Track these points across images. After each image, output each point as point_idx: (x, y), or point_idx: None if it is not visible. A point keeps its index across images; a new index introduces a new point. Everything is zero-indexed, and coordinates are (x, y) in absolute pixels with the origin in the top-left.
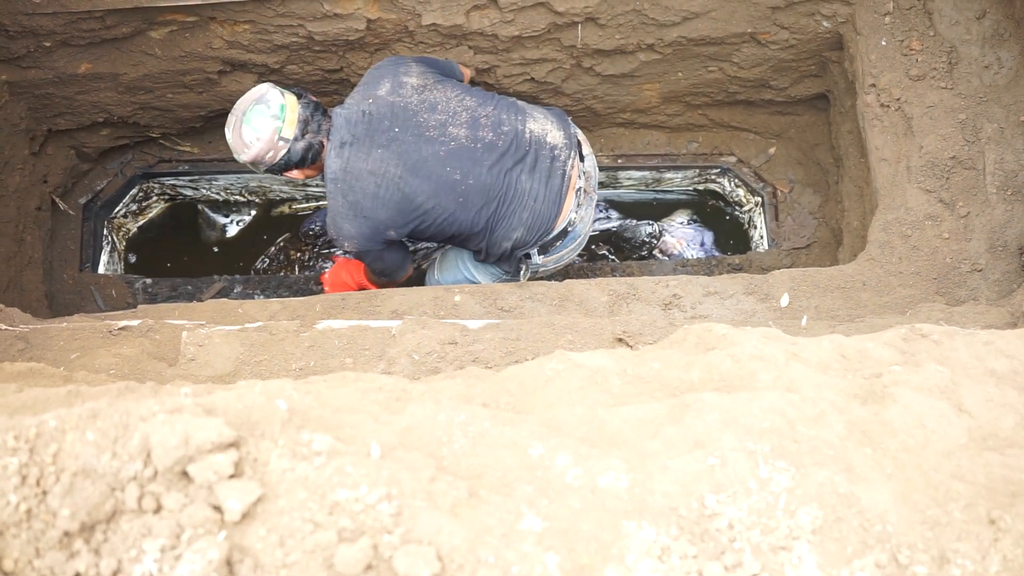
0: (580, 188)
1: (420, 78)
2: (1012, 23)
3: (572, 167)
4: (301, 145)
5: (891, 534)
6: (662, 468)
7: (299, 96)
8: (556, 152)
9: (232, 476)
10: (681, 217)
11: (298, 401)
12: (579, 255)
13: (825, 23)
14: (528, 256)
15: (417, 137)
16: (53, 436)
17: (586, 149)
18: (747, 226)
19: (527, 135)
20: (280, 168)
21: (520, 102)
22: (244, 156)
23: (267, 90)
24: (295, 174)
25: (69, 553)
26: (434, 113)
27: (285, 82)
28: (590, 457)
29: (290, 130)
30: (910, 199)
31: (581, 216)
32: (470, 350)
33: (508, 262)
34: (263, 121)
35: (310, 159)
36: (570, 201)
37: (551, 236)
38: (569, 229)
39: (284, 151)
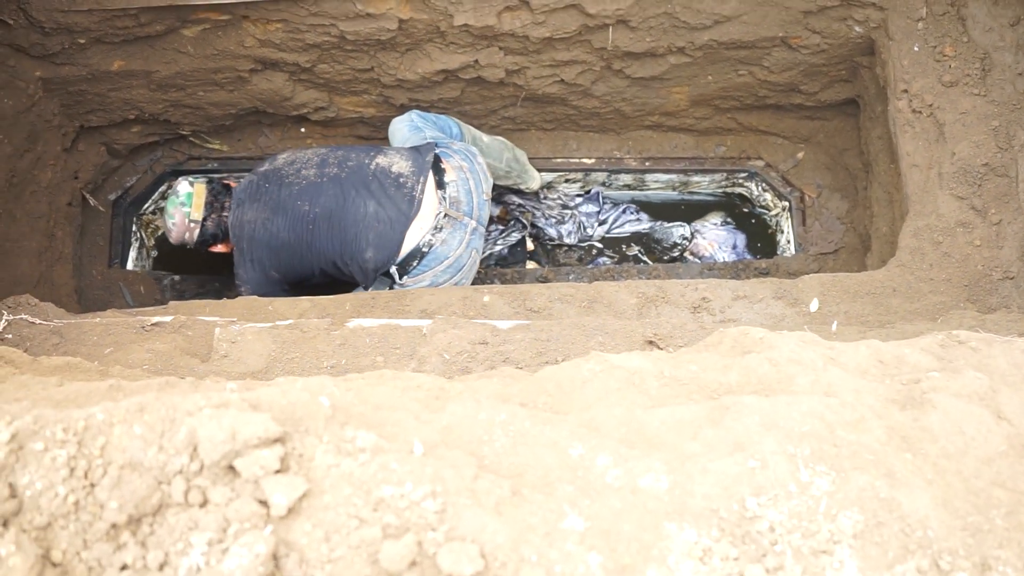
0: (440, 213)
1: (289, 152)
2: None
3: (422, 192)
4: (211, 224)
5: (932, 540)
6: (702, 470)
7: (209, 182)
8: (402, 180)
9: (278, 471)
10: (715, 218)
11: (340, 398)
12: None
13: (857, 28)
14: (388, 275)
15: (279, 185)
16: (101, 429)
17: (451, 176)
18: (774, 230)
19: (372, 166)
20: (205, 244)
21: (385, 146)
22: (173, 239)
23: (179, 183)
24: (221, 248)
25: (116, 545)
26: (293, 165)
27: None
28: (630, 458)
29: (198, 213)
30: (942, 205)
31: (443, 239)
32: (501, 350)
33: (379, 284)
34: (175, 209)
35: (221, 235)
36: (423, 224)
37: (404, 256)
38: (425, 251)
39: (197, 231)
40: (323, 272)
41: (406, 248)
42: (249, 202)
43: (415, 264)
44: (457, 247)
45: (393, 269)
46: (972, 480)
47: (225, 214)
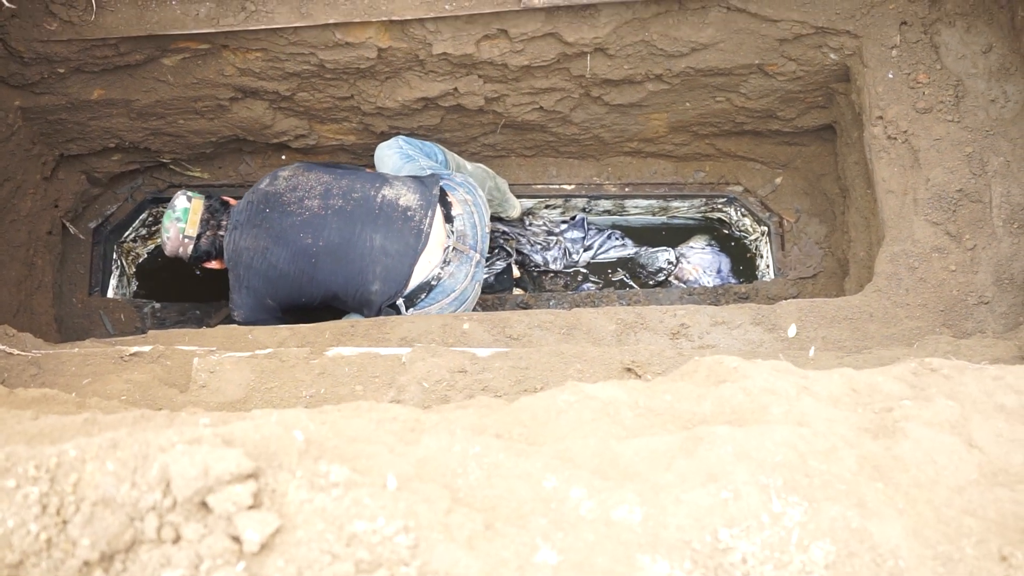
0: (448, 247)
1: (291, 170)
2: (1018, 57)
3: (430, 226)
4: (205, 241)
5: (903, 570)
6: (675, 501)
7: (207, 198)
8: (410, 213)
9: (251, 507)
10: (699, 242)
11: (314, 431)
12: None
13: (832, 55)
14: (394, 307)
15: (280, 213)
16: (73, 466)
17: (457, 210)
18: (754, 255)
19: (379, 199)
20: (199, 260)
21: (389, 175)
22: (167, 252)
23: (178, 197)
24: (213, 265)
25: None
26: (295, 192)
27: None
28: (604, 489)
29: (192, 229)
30: (917, 231)
31: (451, 272)
32: (479, 378)
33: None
34: (170, 224)
35: (215, 252)
36: (431, 257)
37: (412, 289)
38: (433, 284)
39: (191, 247)
40: (323, 302)
41: (414, 281)
42: (247, 226)
43: (423, 297)
44: (463, 280)
45: (400, 302)
46: (943, 509)
47: (221, 232)
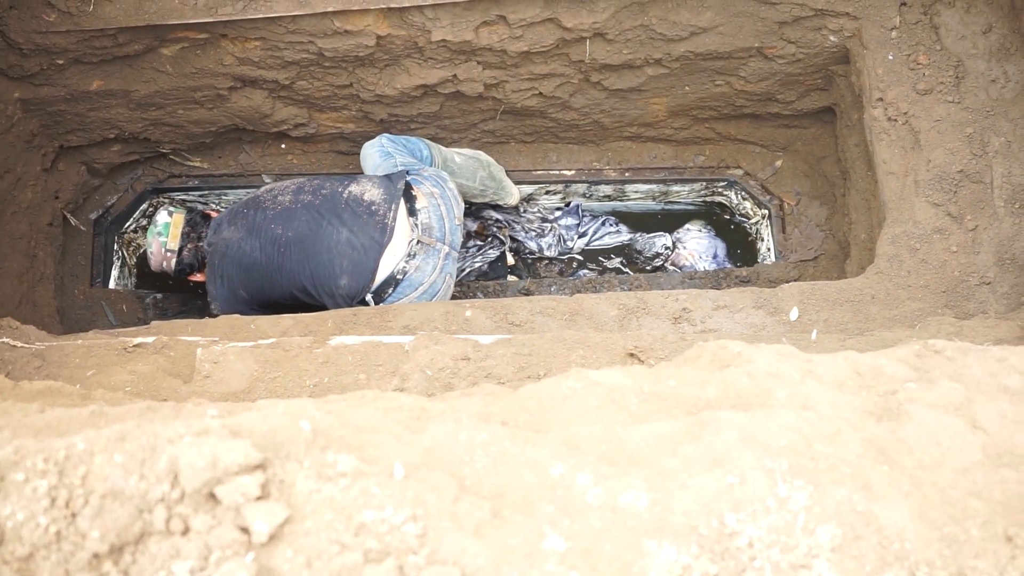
0: (413, 240)
1: (272, 183)
2: (1018, 37)
3: (394, 220)
4: (187, 254)
5: (909, 552)
6: (681, 486)
7: (189, 212)
8: (374, 208)
9: (259, 498)
10: (695, 227)
11: (321, 421)
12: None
13: (832, 37)
14: (364, 303)
15: (256, 210)
16: (82, 458)
17: (422, 203)
18: (754, 238)
19: (345, 195)
20: (183, 273)
21: (358, 174)
22: (152, 267)
23: (160, 212)
24: (199, 277)
25: (99, 575)
26: (271, 192)
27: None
28: (610, 476)
29: (174, 243)
30: (918, 212)
31: (417, 265)
32: (483, 365)
33: None
34: (152, 239)
35: (198, 265)
36: (396, 250)
37: (379, 283)
38: (399, 277)
39: (174, 260)
40: (292, 296)
41: (380, 275)
42: (227, 225)
43: (390, 291)
44: (431, 273)
45: (369, 296)
46: (948, 491)
47: (202, 244)
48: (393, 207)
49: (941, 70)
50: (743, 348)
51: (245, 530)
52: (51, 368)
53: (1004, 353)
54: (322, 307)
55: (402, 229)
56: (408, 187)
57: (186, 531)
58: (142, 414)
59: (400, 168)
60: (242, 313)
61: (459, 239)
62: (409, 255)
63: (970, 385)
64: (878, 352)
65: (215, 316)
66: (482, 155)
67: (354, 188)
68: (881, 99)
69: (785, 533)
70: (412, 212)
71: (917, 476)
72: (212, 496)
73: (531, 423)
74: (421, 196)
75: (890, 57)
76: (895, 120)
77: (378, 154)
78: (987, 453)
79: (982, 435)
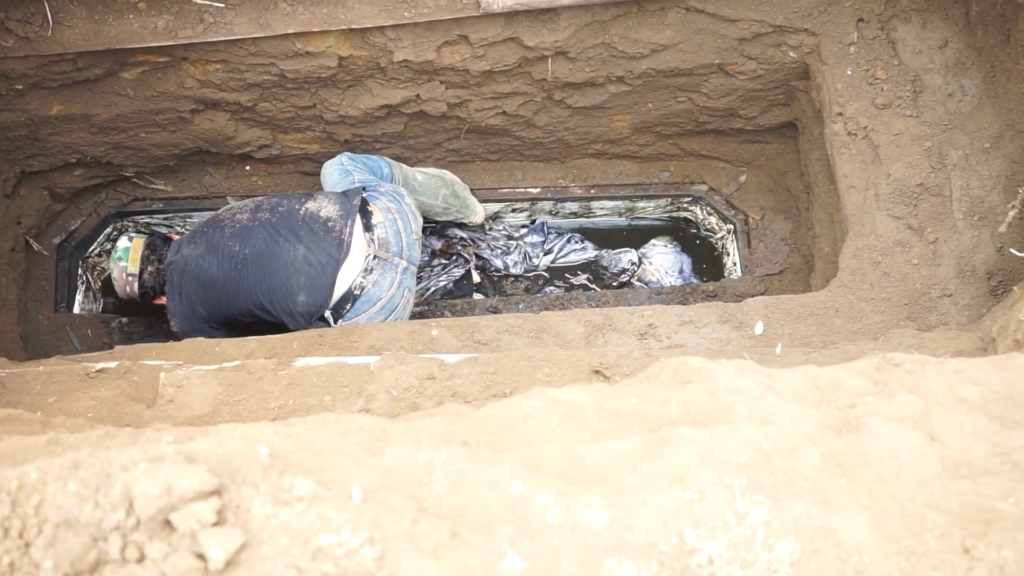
0: (369, 255)
1: (233, 203)
2: (973, 52)
3: (350, 235)
4: (148, 277)
5: (868, 565)
6: (641, 503)
7: (149, 236)
8: (330, 224)
9: (215, 524)
10: (660, 243)
11: (279, 445)
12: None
13: (791, 53)
14: (323, 319)
15: (214, 228)
16: (35, 488)
17: (378, 218)
18: (720, 253)
19: (301, 212)
20: (147, 296)
21: (316, 192)
22: (119, 293)
23: (121, 239)
24: (163, 300)
25: None
26: (230, 211)
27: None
28: (570, 494)
29: (134, 266)
30: (879, 226)
31: (374, 280)
32: (448, 385)
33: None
34: (114, 265)
35: (159, 288)
36: (353, 266)
37: (337, 300)
38: (357, 293)
39: (136, 283)
40: (251, 313)
41: (338, 291)
42: (187, 243)
43: (348, 307)
44: (389, 287)
45: (327, 313)
46: (906, 503)
47: (162, 265)
48: (349, 223)
49: (899, 84)
50: (704, 364)
51: (201, 556)
52: (12, 395)
53: (962, 365)
54: (281, 324)
55: (358, 244)
56: (364, 203)
57: (142, 559)
58: (99, 441)
59: (357, 185)
60: (201, 330)
61: (417, 254)
62: (366, 270)
63: (928, 398)
64: (838, 366)
65: (177, 334)
66: (447, 174)
67: (311, 205)
68: (841, 114)
69: (745, 549)
70: (368, 227)
71: (876, 489)
72: (168, 523)
73: (492, 442)
74: (377, 211)
75: (849, 72)
76: (855, 134)
77: (337, 172)
78: (945, 465)
79: (940, 447)
